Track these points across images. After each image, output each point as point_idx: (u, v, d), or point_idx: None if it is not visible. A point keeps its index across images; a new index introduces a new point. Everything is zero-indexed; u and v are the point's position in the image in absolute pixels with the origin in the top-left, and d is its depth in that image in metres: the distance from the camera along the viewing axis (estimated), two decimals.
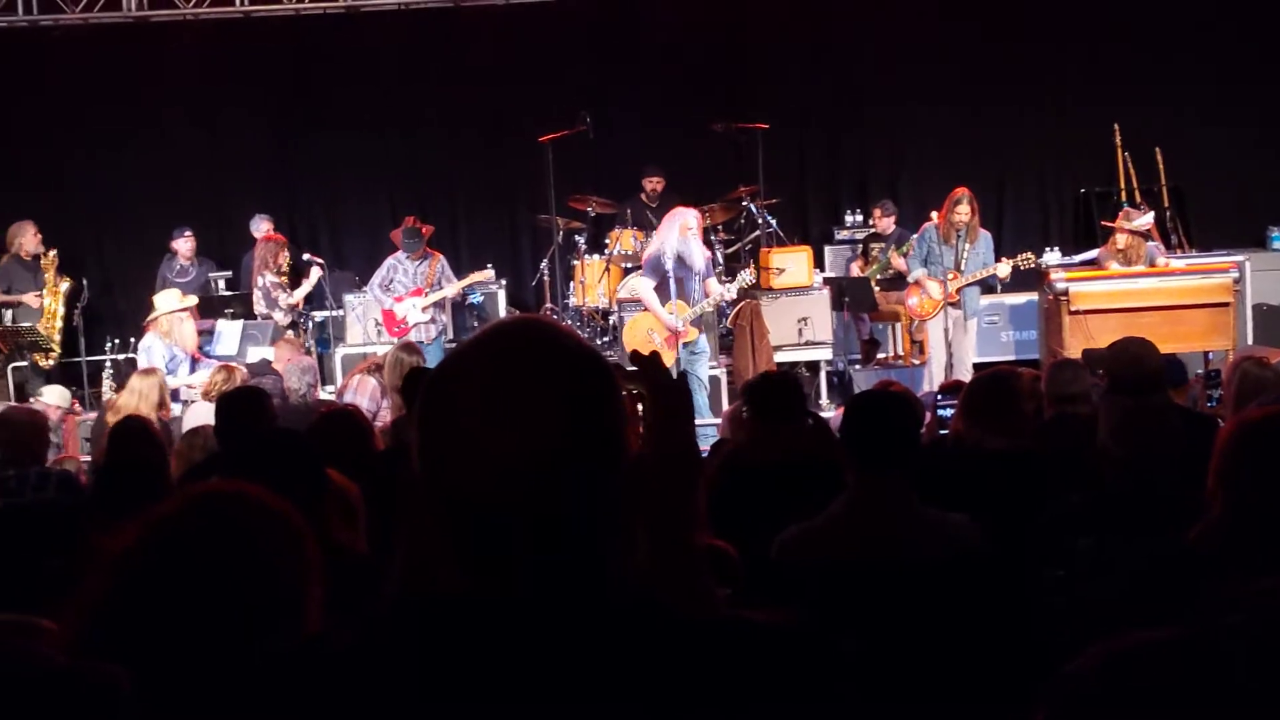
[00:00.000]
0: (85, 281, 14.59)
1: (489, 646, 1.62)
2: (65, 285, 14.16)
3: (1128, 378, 6.19)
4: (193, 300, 12.86)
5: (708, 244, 13.76)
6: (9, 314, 14.45)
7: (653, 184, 15.25)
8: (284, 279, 14.15)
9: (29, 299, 14.35)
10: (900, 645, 3.97)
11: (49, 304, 14.04)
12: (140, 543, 2.32)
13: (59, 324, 14.14)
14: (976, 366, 12.20)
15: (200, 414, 10.10)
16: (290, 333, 13.85)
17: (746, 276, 12.24)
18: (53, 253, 14.42)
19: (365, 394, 10.43)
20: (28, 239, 14.59)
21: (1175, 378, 6.99)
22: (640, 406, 2.12)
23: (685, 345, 11.76)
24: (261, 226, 15.05)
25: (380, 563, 3.28)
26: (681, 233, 11.71)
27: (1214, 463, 3.76)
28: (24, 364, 14.19)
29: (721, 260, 14.69)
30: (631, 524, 1.71)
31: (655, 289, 11.85)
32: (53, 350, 14.05)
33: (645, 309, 12.10)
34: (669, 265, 11.74)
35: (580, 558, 1.65)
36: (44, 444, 7.42)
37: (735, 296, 12.27)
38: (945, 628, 4.03)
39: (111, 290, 15.92)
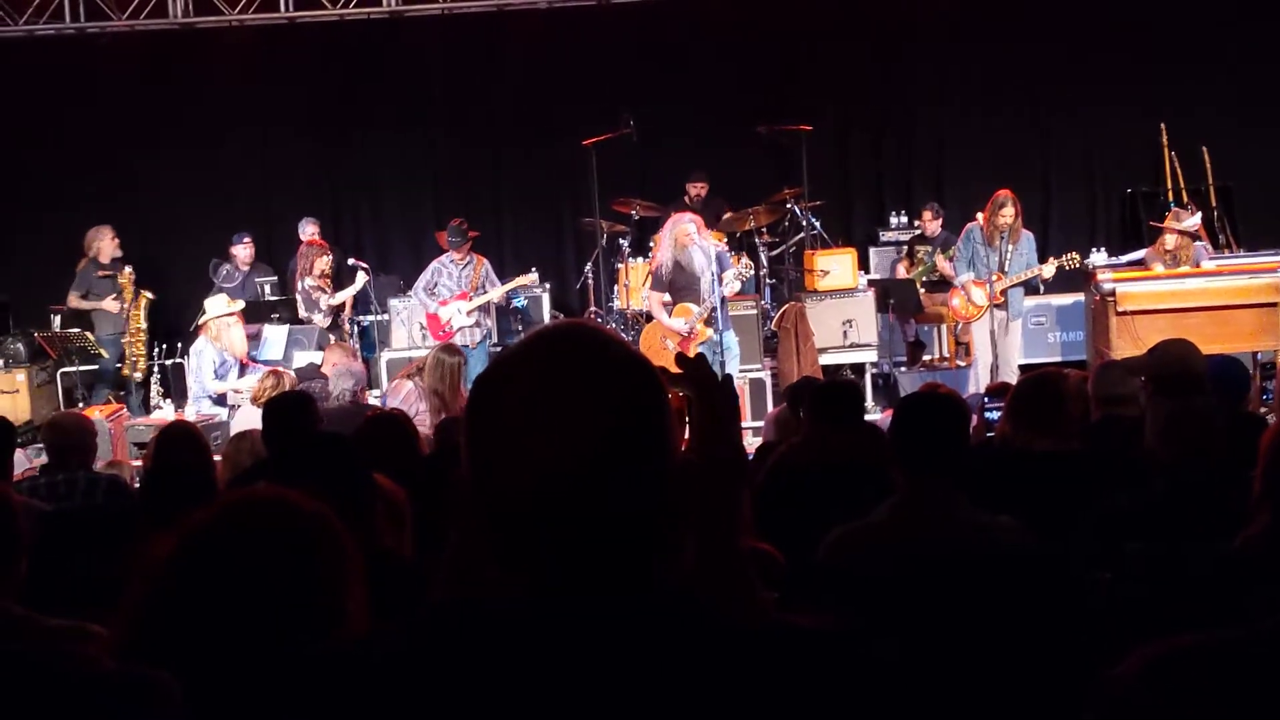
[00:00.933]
0: (154, 296, 14.57)
1: (534, 651, 1.62)
2: (144, 301, 14.13)
3: (1172, 380, 6.15)
4: (239, 304, 12.93)
5: (749, 247, 13.78)
6: (90, 316, 14.63)
7: (697, 189, 15.26)
8: (324, 282, 14.21)
9: (108, 304, 14.44)
10: (947, 648, 3.96)
11: (132, 321, 14.00)
12: (180, 549, 2.33)
13: (144, 338, 14.12)
14: (1022, 368, 12.15)
15: (248, 418, 10.17)
16: (332, 336, 13.91)
17: (743, 270, 12.20)
18: (128, 269, 14.41)
19: (398, 397, 10.46)
20: (105, 244, 14.73)
21: (1240, 386, 6.90)
22: (686, 410, 2.12)
23: (704, 345, 11.78)
24: (307, 230, 15.12)
25: (426, 567, 3.30)
26: (680, 242, 11.81)
27: (1260, 467, 3.74)
28: (73, 369, 14.28)
29: (766, 263, 14.68)
30: (678, 528, 1.71)
31: (670, 295, 11.98)
32: (139, 364, 14.01)
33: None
34: (666, 276, 11.88)
35: (626, 562, 1.66)
36: (92, 449, 7.47)
37: (736, 288, 12.20)
38: (992, 631, 4.01)
39: (159, 296, 16.01)
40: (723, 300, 12.00)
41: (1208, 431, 4.35)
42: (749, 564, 2.18)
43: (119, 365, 14.43)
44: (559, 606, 1.64)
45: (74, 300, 14.80)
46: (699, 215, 12.57)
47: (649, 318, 13.10)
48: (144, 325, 13.94)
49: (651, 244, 14.66)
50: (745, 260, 12.53)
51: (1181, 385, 5.77)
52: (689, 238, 11.83)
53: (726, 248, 12.33)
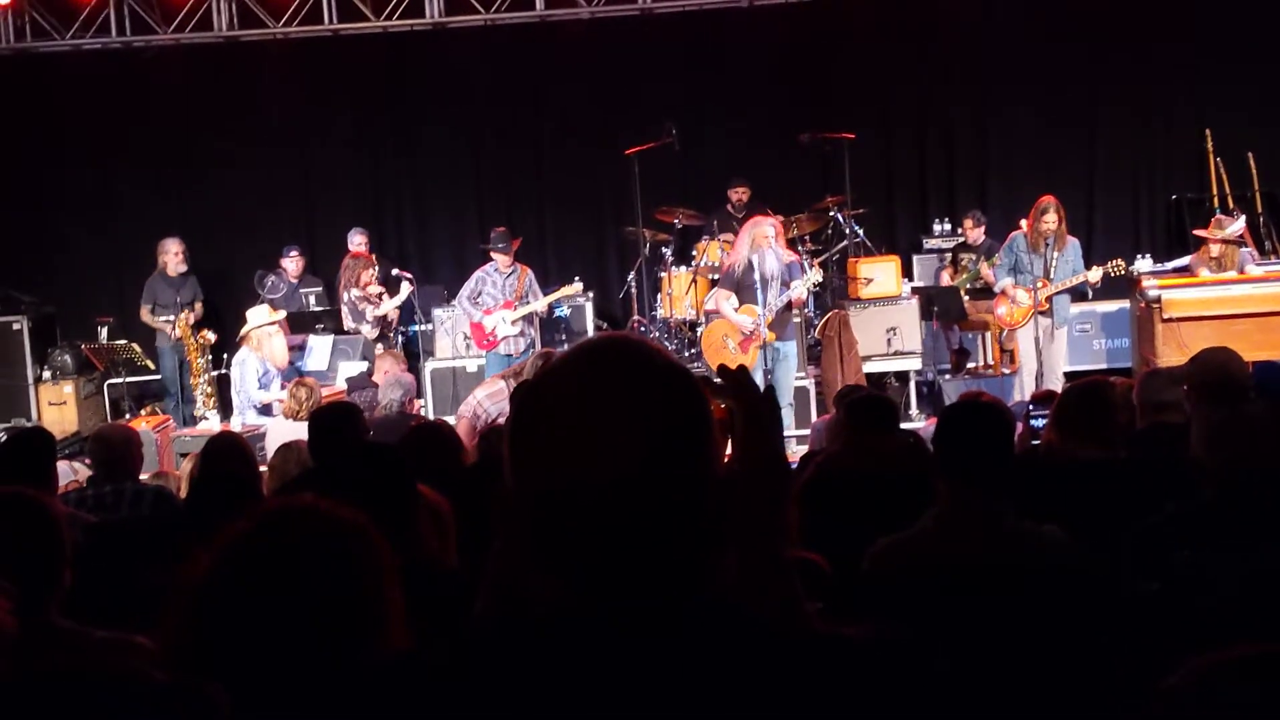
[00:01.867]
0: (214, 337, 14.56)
1: (579, 662, 1.62)
2: (205, 343, 14.08)
3: (1215, 388, 6.10)
4: (280, 314, 12.98)
5: (796, 252, 13.75)
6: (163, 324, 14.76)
7: (738, 194, 15.25)
8: (369, 293, 14.25)
9: (166, 331, 14.49)
10: (993, 659, 3.94)
11: (194, 365, 13.91)
12: (218, 560, 2.34)
13: (207, 379, 14.07)
14: (1068, 375, 12.10)
15: (280, 432, 10.18)
16: (380, 345, 13.96)
17: (813, 275, 12.15)
18: (184, 316, 14.14)
19: (489, 391, 10.51)
20: (169, 257, 14.83)
21: None
22: (729, 420, 2.12)
23: (766, 348, 11.75)
24: (355, 240, 15.16)
25: (471, 577, 3.30)
26: (756, 243, 11.79)
27: None
28: (120, 381, 14.37)
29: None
30: (722, 538, 1.71)
31: (736, 297, 11.96)
32: (209, 404, 13.95)
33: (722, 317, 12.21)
34: (739, 274, 11.88)
35: (671, 572, 1.66)
36: (138, 460, 7.51)
37: (801, 295, 12.13)
38: (1038, 641, 3.99)
39: (207, 308, 16.09)
40: (788, 307, 11.98)
41: (1256, 439, 4.31)
42: (793, 574, 2.17)
43: (178, 373, 14.54)
44: (603, 619, 1.64)
45: (144, 314, 14.90)
46: (763, 217, 12.48)
47: (710, 318, 13.09)
48: (205, 367, 13.81)
49: (694, 252, 14.69)
50: (816, 268, 12.46)
51: (1225, 393, 5.73)
52: (766, 240, 11.81)
53: (798, 259, 12.26)
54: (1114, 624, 4.10)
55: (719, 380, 2.13)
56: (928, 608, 4.10)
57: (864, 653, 1.68)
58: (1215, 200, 15.24)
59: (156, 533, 5.56)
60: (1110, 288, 13.54)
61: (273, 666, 2.26)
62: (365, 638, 2.29)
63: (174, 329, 14.18)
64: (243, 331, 12.65)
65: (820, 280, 12.47)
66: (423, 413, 12.27)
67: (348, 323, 14.23)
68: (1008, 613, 4.04)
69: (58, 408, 14.79)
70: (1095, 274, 12.40)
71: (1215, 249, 12.85)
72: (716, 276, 14.08)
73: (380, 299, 14.37)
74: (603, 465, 1.64)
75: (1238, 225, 13.23)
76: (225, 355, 13.89)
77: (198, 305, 14.92)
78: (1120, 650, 3.97)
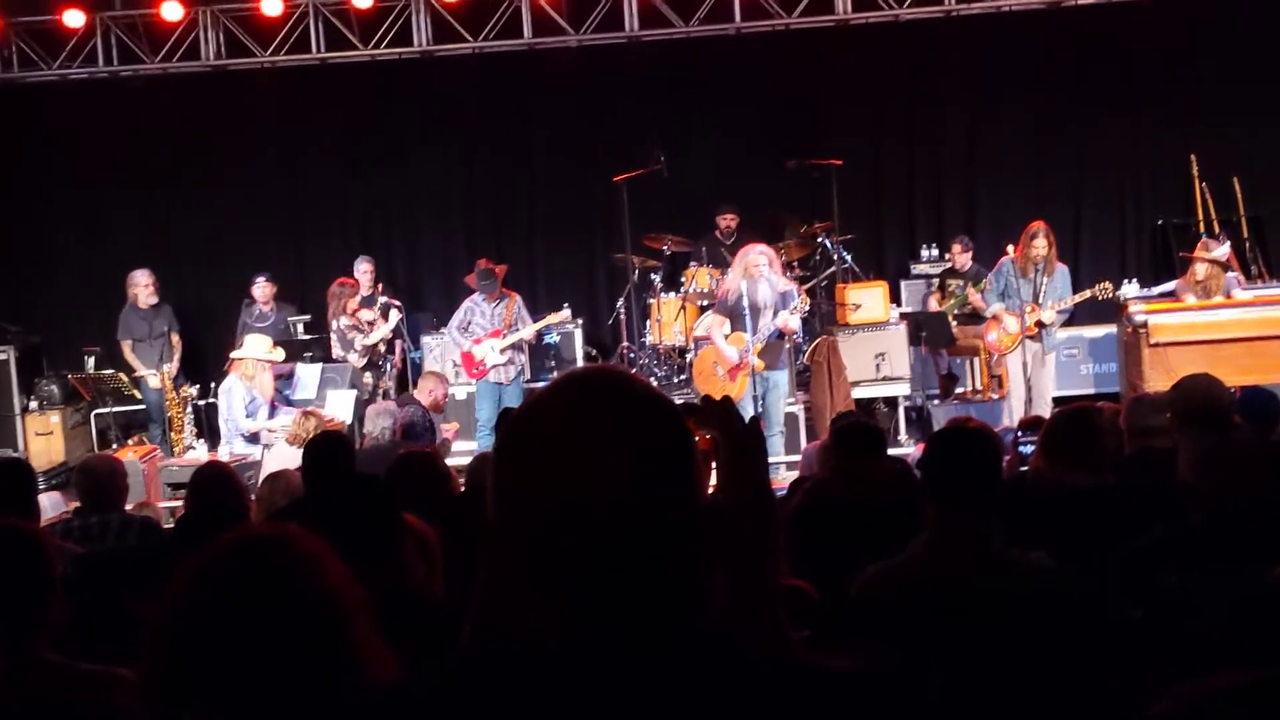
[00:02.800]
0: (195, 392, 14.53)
1: (567, 687, 1.62)
2: (186, 396, 14.03)
3: (1199, 414, 6.11)
4: (279, 355, 12.94)
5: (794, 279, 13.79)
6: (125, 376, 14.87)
7: (727, 220, 15.27)
8: (359, 320, 14.20)
9: (150, 378, 14.49)
10: (981, 685, 3.93)
11: (172, 412, 13.93)
12: (180, 593, 2.32)
13: (187, 430, 14.07)
14: (1056, 400, 12.13)
15: (281, 458, 10.19)
16: (368, 375, 13.91)
17: (798, 305, 12.07)
18: (166, 369, 14.31)
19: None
20: (139, 290, 14.78)
21: (1272, 416, 6.86)
22: (713, 451, 2.12)
23: (755, 376, 11.75)
24: (360, 268, 15.04)
25: (458, 606, 3.29)
26: (748, 272, 11.80)
27: None
28: (107, 411, 14.34)
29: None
30: (709, 563, 1.72)
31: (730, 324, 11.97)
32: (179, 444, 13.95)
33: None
34: (732, 302, 11.93)
35: (659, 595, 1.66)
36: (124, 490, 7.51)
37: (789, 323, 12.05)
38: (1027, 668, 3.99)
39: (193, 335, 16.06)
40: (780, 337, 11.96)
41: (1245, 465, 4.32)
42: (780, 604, 2.17)
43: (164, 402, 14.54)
44: (592, 642, 1.64)
45: (125, 351, 14.87)
46: (756, 245, 12.46)
47: (700, 344, 13.08)
48: (185, 422, 13.77)
49: (683, 279, 14.70)
50: (804, 296, 12.42)
51: (1209, 419, 5.74)
52: (758, 269, 11.82)
53: (795, 287, 12.24)
54: (1102, 649, 4.10)
55: (703, 410, 2.13)
56: (916, 633, 4.09)
57: (851, 685, 1.68)
58: (1201, 225, 15.27)
59: (143, 563, 5.55)
60: (1098, 313, 13.56)
61: (245, 699, 2.24)
62: (335, 667, 2.27)
63: (156, 380, 14.20)
64: (238, 355, 12.61)
65: (803, 306, 12.35)
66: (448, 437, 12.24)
67: (336, 351, 14.20)
68: (996, 638, 4.04)
69: (45, 438, 14.76)
70: (1083, 295, 12.48)
71: (1201, 272, 12.86)
72: (705, 303, 14.10)
73: (371, 326, 14.33)
74: (593, 487, 1.64)
75: (1223, 249, 13.26)
76: (212, 384, 13.87)
77: (174, 337, 14.85)
78: (1108, 676, 3.97)
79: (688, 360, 14.10)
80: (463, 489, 7.14)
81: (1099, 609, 4.26)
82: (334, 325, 14.22)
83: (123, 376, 14.42)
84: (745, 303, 11.80)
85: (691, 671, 1.63)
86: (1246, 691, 1.79)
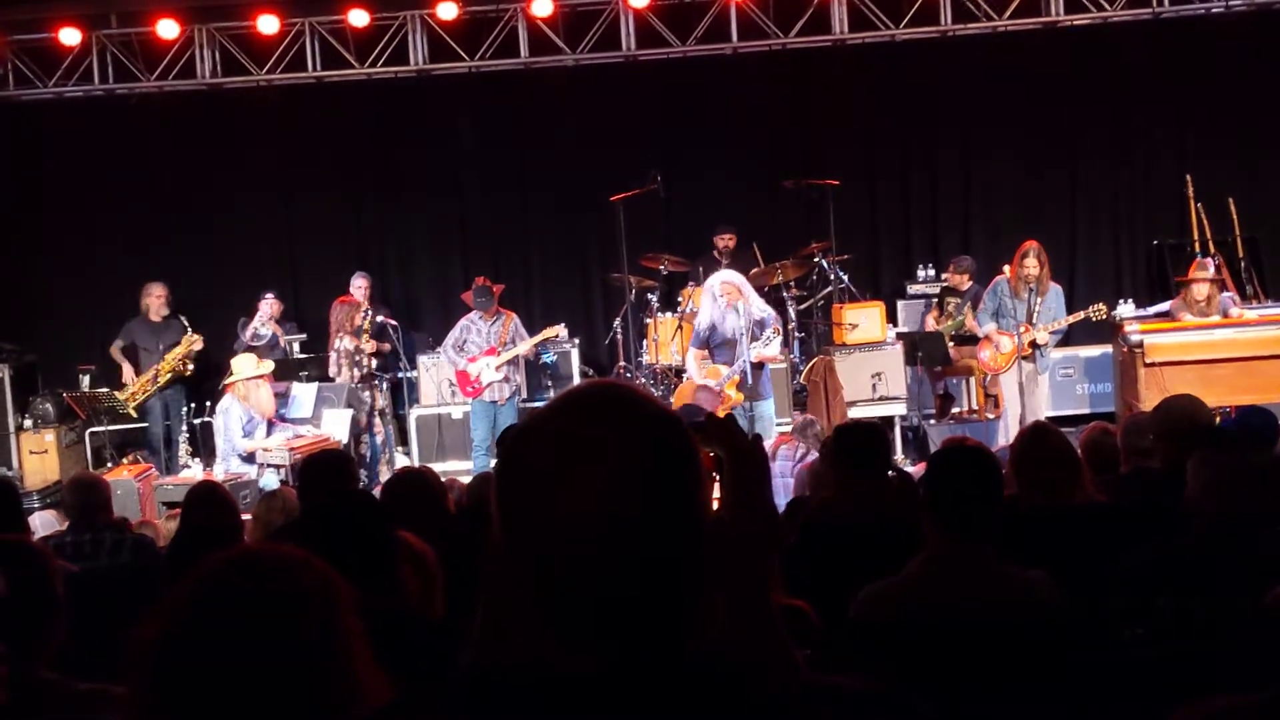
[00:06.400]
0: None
1: (568, 713, 1.61)
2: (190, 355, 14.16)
3: (1183, 436, 6.09)
4: (269, 366, 12.92)
5: (778, 301, 13.75)
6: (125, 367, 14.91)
7: (724, 241, 15.28)
8: (363, 340, 14.08)
9: (128, 377, 14.56)
10: (980, 705, 3.93)
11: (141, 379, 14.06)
12: (170, 612, 2.30)
13: (150, 388, 14.22)
14: (1051, 420, 12.11)
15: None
16: (368, 393, 13.84)
17: (771, 335, 11.84)
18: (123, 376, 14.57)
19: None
20: (153, 299, 14.83)
21: (1268, 436, 6.86)
22: (716, 469, 2.12)
23: (736, 409, 11.61)
24: (356, 284, 15.03)
25: (457, 626, 3.29)
26: (717, 299, 11.70)
27: None
28: (102, 429, 14.32)
29: (795, 317, 14.65)
30: (709, 587, 1.71)
31: (708, 354, 11.93)
32: (135, 399, 14.14)
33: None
34: (704, 334, 11.94)
35: (658, 622, 1.65)
36: (109, 505, 7.52)
37: (772, 353, 11.92)
38: (1025, 688, 3.98)
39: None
40: (761, 367, 11.86)
41: (1258, 487, 4.32)
42: (780, 622, 2.17)
43: (166, 423, 14.56)
44: (591, 669, 1.63)
45: (114, 350, 14.90)
46: (733, 269, 12.40)
47: (679, 372, 13.05)
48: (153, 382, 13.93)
49: (680, 299, 14.69)
50: (776, 326, 12.26)
51: (1193, 440, 5.72)
52: (726, 298, 11.70)
53: (773, 314, 12.08)
54: (1100, 669, 4.09)
55: (706, 428, 2.13)
56: (916, 654, 4.09)
57: (853, 703, 1.68)
58: (1196, 245, 15.30)
59: (138, 581, 5.54)
60: (1093, 333, 13.57)
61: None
62: (334, 691, 2.25)
63: (159, 344, 14.34)
64: (228, 380, 12.60)
65: (777, 336, 12.13)
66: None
67: (338, 370, 14.03)
68: (995, 658, 4.04)
69: (39, 456, 14.73)
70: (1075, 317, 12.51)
71: (1202, 292, 12.85)
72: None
73: (364, 339, 14.25)
74: (589, 514, 1.63)
75: (1212, 269, 13.30)
76: (208, 404, 13.86)
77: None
78: (1106, 695, 3.97)
79: (684, 379, 14.06)
80: (460, 508, 7.13)
81: (1097, 628, 4.27)
82: (336, 344, 14.08)
83: (118, 395, 14.38)
84: (719, 334, 11.74)
85: (698, 695, 1.62)
86: (1242, 714, 1.78)
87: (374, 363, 14.21)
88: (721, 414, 2.25)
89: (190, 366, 14.64)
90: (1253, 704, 1.80)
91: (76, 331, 16.49)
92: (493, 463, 11.68)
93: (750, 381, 11.67)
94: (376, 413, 13.96)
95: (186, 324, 14.91)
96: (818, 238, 15.17)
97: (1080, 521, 5.36)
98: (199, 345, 14.66)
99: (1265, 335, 12.46)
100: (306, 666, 2.23)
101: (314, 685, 2.23)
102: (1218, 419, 11.21)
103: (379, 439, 14.03)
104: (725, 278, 12.00)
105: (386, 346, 14.54)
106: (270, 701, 2.21)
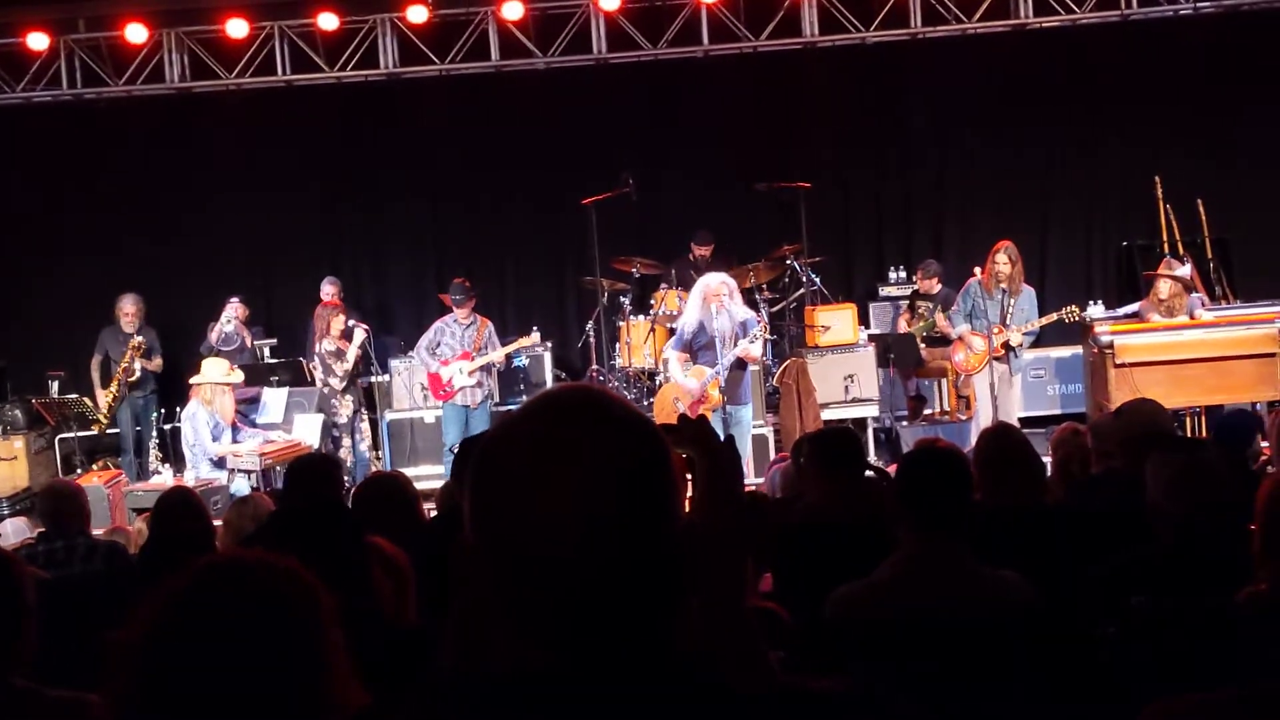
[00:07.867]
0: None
1: (545, 718, 1.61)
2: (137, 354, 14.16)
3: (1147, 440, 6.11)
4: (238, 377, 12.82)
5: (750, 304, 13.74)
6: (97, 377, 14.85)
7: (702, 251, 15.12)
8: (343, 343, 13.95)
9: (100, 393, 14.53)
10: (956, 704, 3.94)
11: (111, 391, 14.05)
12: (150, 619, 2.29)
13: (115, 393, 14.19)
14: (1022, 421, 12.14)
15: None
16: (347, 396, 13.76)
17: (756, 334, 11.86)
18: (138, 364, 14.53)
19: None
20: (125, 316, 14.74)
21: (1245, 436, 6.90)
22: (689, 471, 2.11)
23: (717, 412, 11.62)
24: (326, 290, 15.01)
25: (431, 632, 3.28)
26: (708, 302, 11.64)
27: (1257, 522, 3.74)
28: (71, 436, 14.26)
29: (767, 319, 14.65)
30: (683, 590, 1.70)
31: (691, 356, 11.87)
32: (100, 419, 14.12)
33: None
34: (689, 335, 11.81)
35: (635, 623, 1.65)
36: (86, 514, 7.48)
37: (751, 352, 11.89)
38: (1000, 686, 3.99)
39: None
40: (744, 368, 11.85)
41: (1215, 485, 4.34)
42: (754, 624, 2.16)
43: (137, 429, 14.49)
44: (565, 674, 1.62)
45: (93, 365, 14.85)
46: (714, 274, 12.34)
47: (651, 375, 13.03)
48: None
49: (652, 301, 14.68)
50: (764, 324, 12.26)
51: (1154, 443, 5.74)
52: (718, 297, 11.67)
53: (757, 317, 12.07)
54: (1073, 668, 4.10)
55: (679, 428, 2.13)
56: (890, 655, 4.10)
57: (826, 706, 1.67)
58: (1165, 246, 15.34)
59: (110, 588, 5.52)
60: (1064, 334, 13.60)
61: None
62: (312, 698, 2.25)
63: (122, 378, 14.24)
64: (197, 380, 12.51)
65: (764, 333, 12.18)
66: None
67: (318, 375, 13.94)
68: (969, 658, 4.05)
69: (8, 463, 14.64)
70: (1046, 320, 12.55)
71: (1165, 290, 12.87)
72: (674, 326, 14.06)
73: (341, 343, 14.20)
74: (563, 517, 1.62)
75: (1185, 270, 13.32)
76: (178, 409, 13.81)
77: (155, 359, 14.79)
78: (1079, 694, 3.98)
79: (657, 383, 14.05)
80: (433, 514, 7.11)
81: (1071, 627, 4.28)
82: (318, 349, 13.95)
83: (88, 401, 14.34)
84: (704, 335, 11.70)
85: (676, 695, 1.62)
86: (1211, 710, 1.79)
87: (348, 368, 14.17)
88: (701, 413, 2.25)
89: (139, 366, 14.44)
90: (1223, 700, 1.81)
91: (46, 337, 16.42)
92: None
93: (724, 384, 11.70)
94: (354, 415, 13.88)
95: (154, 335, 14.83)
96: (789, 240, 15.17)
97: (1041, 522, 5.38)
98: (143, 345, 14.50)
99: (1235, 335, 12.50)
100: (289, 672, 2.23)
101: (296, 690, 2.22)
102: (1188, 418, 11.31)
103: (364, 444, 14.00)
104: (723, 278, 12.01)
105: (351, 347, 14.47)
106: (252, 705, 2.20)
